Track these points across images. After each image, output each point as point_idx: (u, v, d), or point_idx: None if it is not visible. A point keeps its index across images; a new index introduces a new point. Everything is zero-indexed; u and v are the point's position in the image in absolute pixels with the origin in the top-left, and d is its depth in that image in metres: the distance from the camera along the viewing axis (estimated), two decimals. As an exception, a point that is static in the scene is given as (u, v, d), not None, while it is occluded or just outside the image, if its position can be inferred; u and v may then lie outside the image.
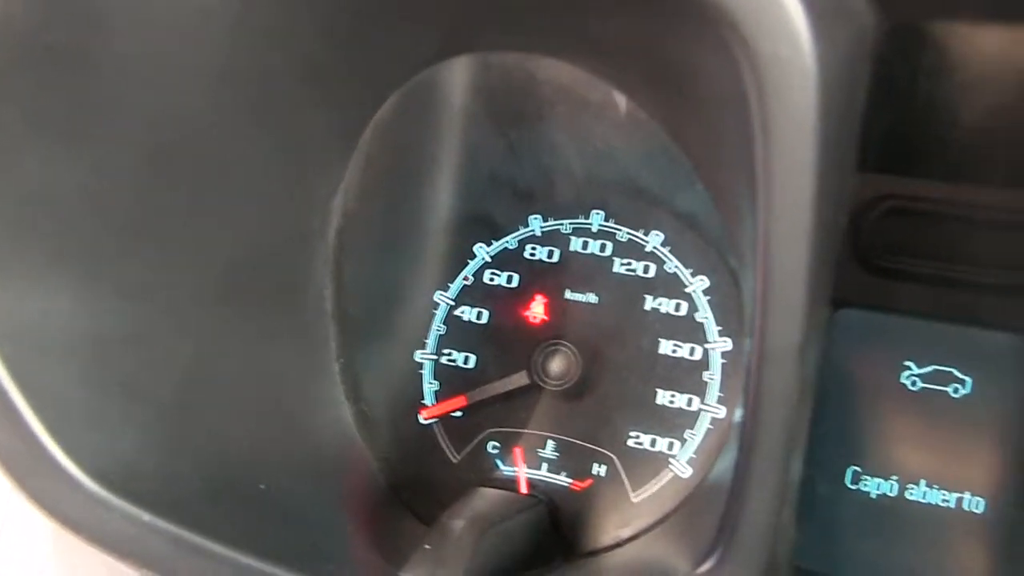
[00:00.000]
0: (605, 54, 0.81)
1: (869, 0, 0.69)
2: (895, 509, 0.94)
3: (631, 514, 0.94)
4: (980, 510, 0.92)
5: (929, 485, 0.93)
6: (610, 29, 0.75)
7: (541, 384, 0.95)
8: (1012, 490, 0.92)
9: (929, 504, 0.93)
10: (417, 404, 0.99)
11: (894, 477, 0.94)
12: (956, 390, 0.95)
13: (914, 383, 0.94)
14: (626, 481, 0.95)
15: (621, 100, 0.84)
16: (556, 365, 0.94)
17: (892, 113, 0.80)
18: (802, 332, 0.69)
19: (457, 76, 0.86)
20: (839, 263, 0.91)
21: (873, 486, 0.94)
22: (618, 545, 0.93)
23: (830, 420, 0.94)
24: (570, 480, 0.95)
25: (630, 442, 0.96)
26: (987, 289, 0.92)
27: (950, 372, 0.94)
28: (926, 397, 0.94)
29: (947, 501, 0.92)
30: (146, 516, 0.67)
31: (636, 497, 0.94)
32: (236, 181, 0.78)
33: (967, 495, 0.92)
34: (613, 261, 0.99)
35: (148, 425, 0.73)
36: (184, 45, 0.72)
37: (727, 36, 0.63)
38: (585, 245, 0.99)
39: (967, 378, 0.95)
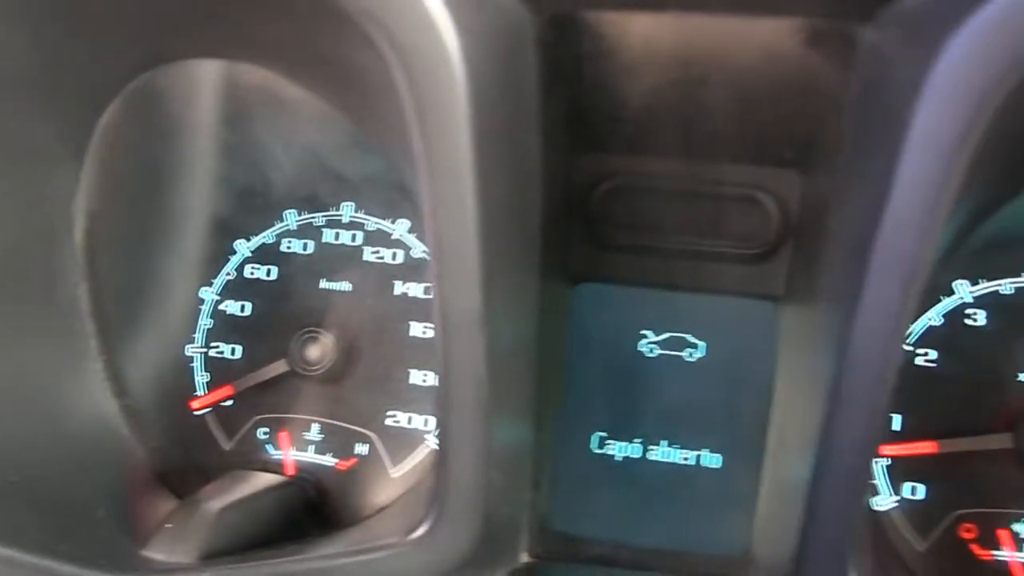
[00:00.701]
0: (282, 56, 0.85)
1: None
2: (640, 470, 0.99)
3: (391, 488, 0.98)
4: (717, 465, 0.97)
5: (670, 445, 0.98)
6: (276, 33, 0.79)
7: (300, 371, 0.99)
8: (746, 445, 0.96)
9: (671, 463, 0.98)
10: (189, 395, 1.02)
11: (637, 440, 0.99)
12: (691, 354, 1.00)
13: (651, 350, 0.99)
14: (385, 458, 1.00)
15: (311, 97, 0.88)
16: (313, 352, 0.99)
17: (576, 96, 0.83)
18: (481, 302, 0.74)
19: (170, 82, 0.90)
20: (575, 241, 0.96)
21: (618, 449, 0.99)
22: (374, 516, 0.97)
23: (575, 389, 0.99)
24: (335, 460, 1.01)
25: (388, 421, 1.01)
26: (711, 257, 0.96)
27: (684, 338, 0.99)
28: (663, 362, 0.99)
29: (687, 459, 0.98)
30: None
31: (395, 472, 0.99)
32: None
33: (705, 452, 0.98)
34: (364, 250, 1.03)
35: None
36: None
37: (373, 33, 0.68)
38: (337, 236, 1.04)
39: (701, 342, 0.99)
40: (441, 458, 0.78)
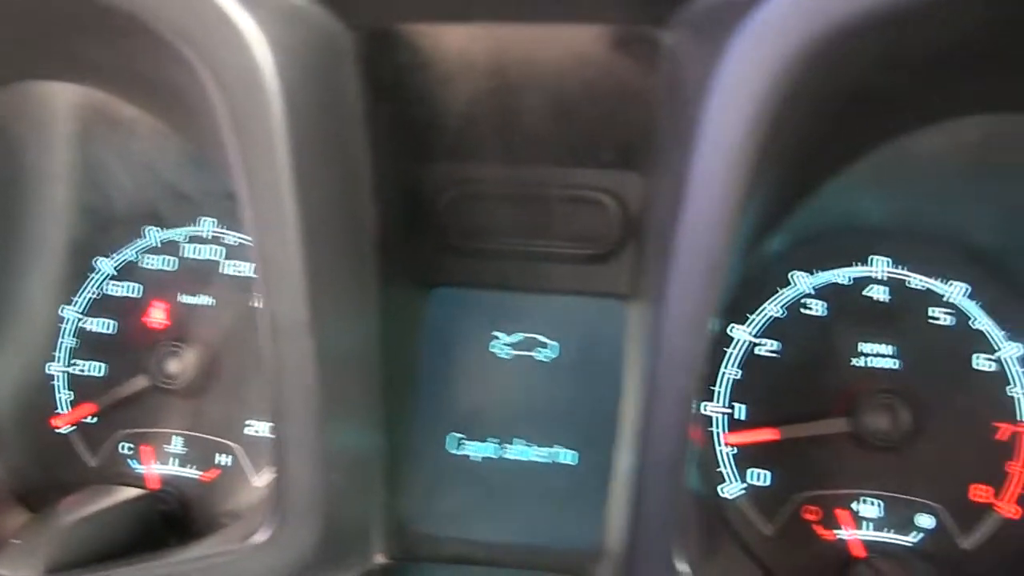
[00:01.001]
0: (112, 77, 0.87)
1: (331, 10, 0.74)
2: (496, 469, 1.01)
3: (254, 496, 1.00)
4: (572, 462, 0.99)
5: (526, 444, 1.00)
6: (100, 54, 0.82)
7: (161, 385, 1.00)
8: (599, 441, 0.99)
9: (527, 461, 1.00)
10: (51, 414, 1.04)
11: (493, 439, 1.02)
12: (543, 354, 1.02)
13: (504, 351, 1.01)
14: (247, 467, 1.01)
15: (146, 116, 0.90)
16: (173, 366, 1.00)
17: (401, 107, 0.86)
18: (307, 311, 0.77)
19: (11, 105, 0.91)
20: (427, 248, 0.98)
21: (474, 449, 1.02)
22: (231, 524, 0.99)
23: (431, 392, 1.01)
24: (198, 472, 1.02)
25: (248, 431, 1.03)
26: (557, 258, 0.99)
27: (536, 338, 1.02)
28: (516, 363, 1.02)
29: (543, 457, 1.00)
30: None
31: (258, 480, 1.00)
32: None
33: (560, 449, 1.00)
34: (224, 264, 1.04)
35: None
36: None
37: (187, 53, 0.70)
38: (198, 251, 1.05)
39: (552, 342, 1.02)
40: (278, 464, 0.79)
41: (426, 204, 0.96)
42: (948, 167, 0.88)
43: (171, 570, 0.81)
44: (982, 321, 0.97)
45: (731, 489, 0.97)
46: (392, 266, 0.92)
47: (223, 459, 1.01)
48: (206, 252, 1.03)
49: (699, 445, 0.93)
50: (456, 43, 0.79)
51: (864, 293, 1.00)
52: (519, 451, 1.01)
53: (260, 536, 0.81)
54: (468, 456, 1.01)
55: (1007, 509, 0.95)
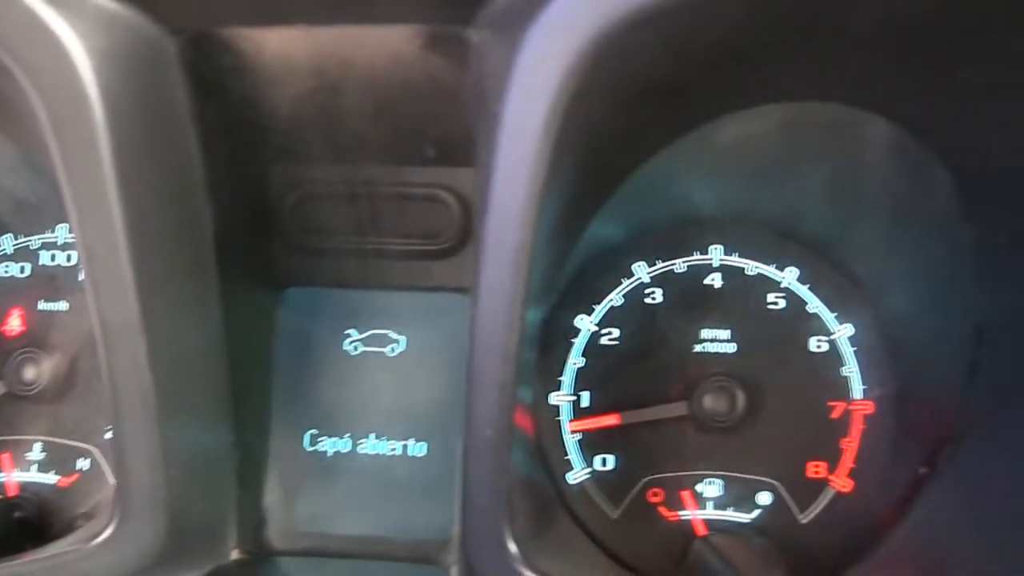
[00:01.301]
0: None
1: (149, 16, 0.77)
2: (351, 463, 1.04)
3: (110, 492, 1.01)
4: (423, 454, 1.02)
5: (378, 437, 1.03)
6: None
7: (18, 392, 1.02)
8: (448, 433, 1.02)
9: (380, 455, 1.03)
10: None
11: (347, 435, 1.04)
12: (392, 349, 1.05)
13: (356, 347, 1.04)
14: (106, 470, 1.03)
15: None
16: (29, 372, 1.02)
17: (229, 109, 0.89)
18: (137, 311, 0.80)
19: None
20: (277, 248, 1.01)
21: (329, 445, 1.04)
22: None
23: (286, 390, 1.03)
24: (57, 477, 1.03)
25: (108, 435, 1.04)
26: (402, 255, 1.02)
27: (385, 334, 1.04)
28: (366, 359, 1.04)
29: (395, 450, 1.02)
30: None
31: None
32: None
33: (411, 442, 1.03)
34: (80, 270, 1.06)
35: None
36: None
37: (4, 60, 0.72)
38: (53, 257, 1.07)
39: (401, 337, 1.04)
40: (118, 464, 0.81)
41: (272, 205, 0.99)
42: (753, 155, 0.91)
43: (13, 571, 0.81)
44: (815, 304, 1.00)
45: (577, 475, 1.00)
46: (240, 267, 0.95)
47: (82, 463, 1.02)
48: (61, 258, 1.04)
49: (527, 431, 0.95)
50: (276, 46, 0.82)
51: (704, 281, 1.02)
52: (372, 445, 1.03)
53: (103, 535, 0.83)
54: (324, 452, 1.03)
55: (841, 483, 0.99)
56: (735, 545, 0.89)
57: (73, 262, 1.05)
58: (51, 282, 1.04)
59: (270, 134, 0.91)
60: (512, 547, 0.78)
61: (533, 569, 0.76)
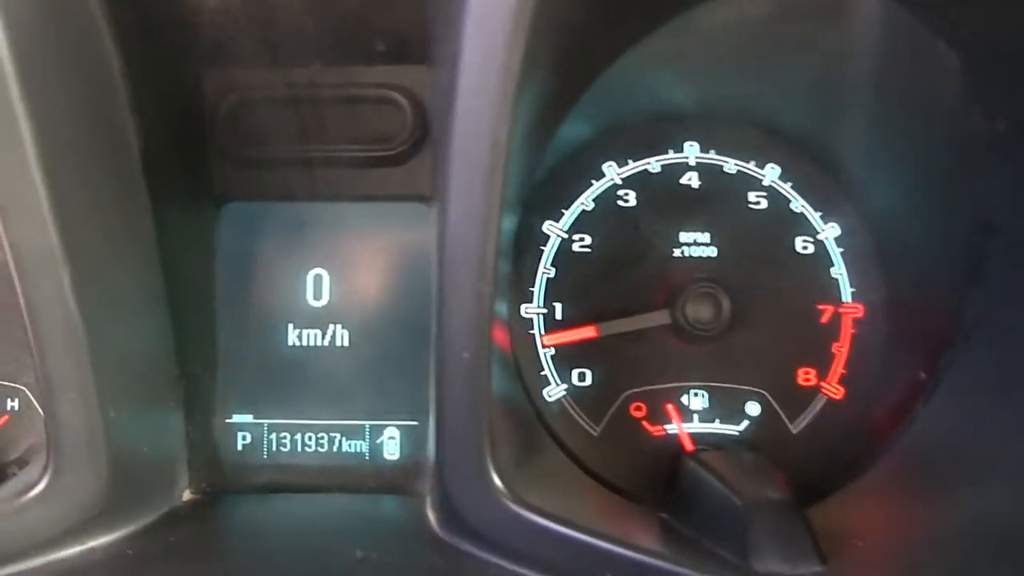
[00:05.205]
0: None
1: None
2: (305, 380, 0.97)
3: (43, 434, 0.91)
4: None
5: (332, 348, 0.96)
6: None
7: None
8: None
9: (337, 365, 0.96)
10: None
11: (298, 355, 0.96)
12: (344, 269, 0.95)
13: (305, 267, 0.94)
14: (36, 405, 0.96)
15: None
16: None
17: (147, 7, 0.77)
18: (56, 238, 0.71)
19: None
20: (213, 161, 0.89)
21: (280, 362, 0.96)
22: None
23: (229, 312, 0.95)
24: None
25: (40, 371, 0.92)
26: (351, 163, 0.92)
27: (337, 249, 0.95)
28: (317, 280, 0.95)
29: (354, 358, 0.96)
30: None
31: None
32: None
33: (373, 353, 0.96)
34: None
35: None
36: None
37: None
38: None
39: (355, 253, 0.96)
40: (46, 408, 0.72)
41: (205, 114, 0.88)
42: (740, 43, 0.84)
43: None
44: (799, 203, 0.93)
45: (553, 392, 0.92)
46: (173, 183, 0.84)
47: (11, 403, 0.91)
48: None
49: (505, 349, 0.87)
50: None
51: (680, 181, 0.94)
52: (327, 361, 0.93)
53: (36, 488, 0.75)
54: (277, 370, 0.95)
55: (832, 390, 0.93)
56: (729, 461, 0.82)
57: None
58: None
59: (197, 32, 0.81)
60: (496, 480, 0.73)
61: (519, 502, 0.70)
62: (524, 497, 0.70)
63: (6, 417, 0.93)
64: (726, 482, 0.79)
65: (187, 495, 0.89)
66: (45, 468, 0.74)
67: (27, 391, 0.93)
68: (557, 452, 0.90)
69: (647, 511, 0.85)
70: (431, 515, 0.82)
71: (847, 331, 0.97)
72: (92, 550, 0.77)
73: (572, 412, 0.93)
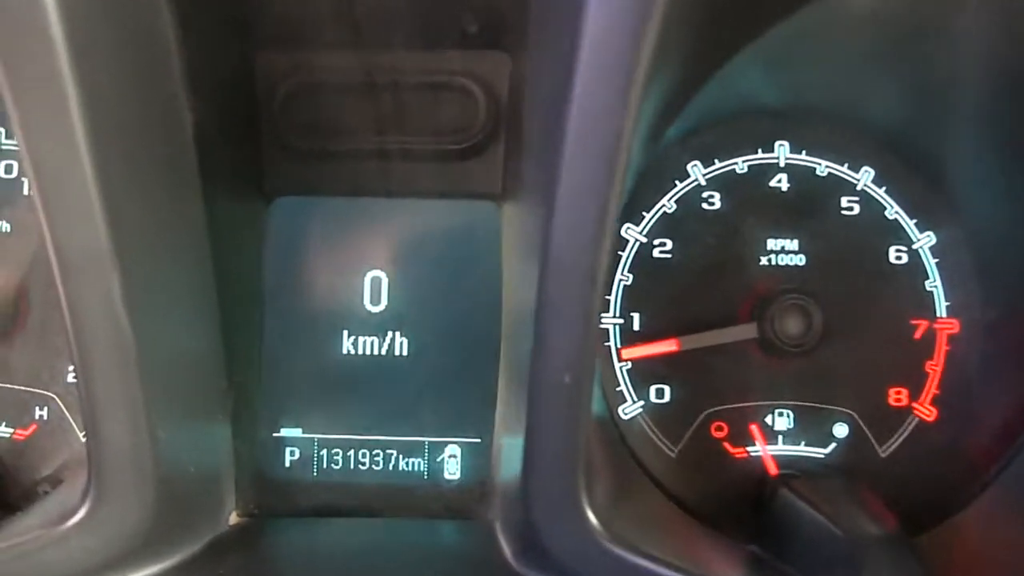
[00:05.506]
0: None
1: None
2: (357, 392, 0.91)
3: (77, 448, 0.86)
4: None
5: (391, 358, 0.90)
6: None
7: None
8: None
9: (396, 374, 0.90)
10: None
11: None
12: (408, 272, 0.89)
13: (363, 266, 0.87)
14: (68, 415, 0.88)
15: None
16: None
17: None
18: (107, 236, 0.63)
19: None
20: (265, 152, 0.81)
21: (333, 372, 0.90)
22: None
23: (278, 318, 0.86)
24: (11, 429, 0.85)
25: (72, 377, 0.87)
26: (416, 157, 0.85)
27: (398, 250, 0.88)
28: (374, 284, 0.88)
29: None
30: None
31: (83, 435, 0.83)
32: None
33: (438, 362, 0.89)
34: (22, 183, 0.91)
35: None
36: None
37: None
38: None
39: (419, 256, 0.89)
40: (88, 427, 0.65)
41: (260, 99, 0.80)
42: (841, 35, 0.79)
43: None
44: (893, 210, 0.85)
45: (629, 409, 0.84)
46: (221, 175, 0.75)
47: (40, 412, 0.83)
48: None
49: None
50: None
51: (769, 184, 0.85)
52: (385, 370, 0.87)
53: (76, 516, 0.68)
54: (329, 379, 0.89)
55: (924, 412, 0.85)
56: (826, 490, 0.76)
57: (14, 174, 0.84)
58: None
59: (269, 12, 0.72)
60: (591, 515, 0.66)
61: (617, 541, 0.64)
62: (622, 534, 0.64)
63: (34, 426, 0.85)
64: (827, 514, 0.73)
65: (234, 518, 0.81)
66: (85, 493, 0.67)
67: (58, 400, 0.84)
68: (641, 477, 0.83)
69: (735, 543, 0.76)
70: (504, 544, 0.73)
71: (941, 348, 0.90)
72: (134, 585, 0.67)
73: (648, 431, 0.86)
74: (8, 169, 0.86)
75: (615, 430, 0.84)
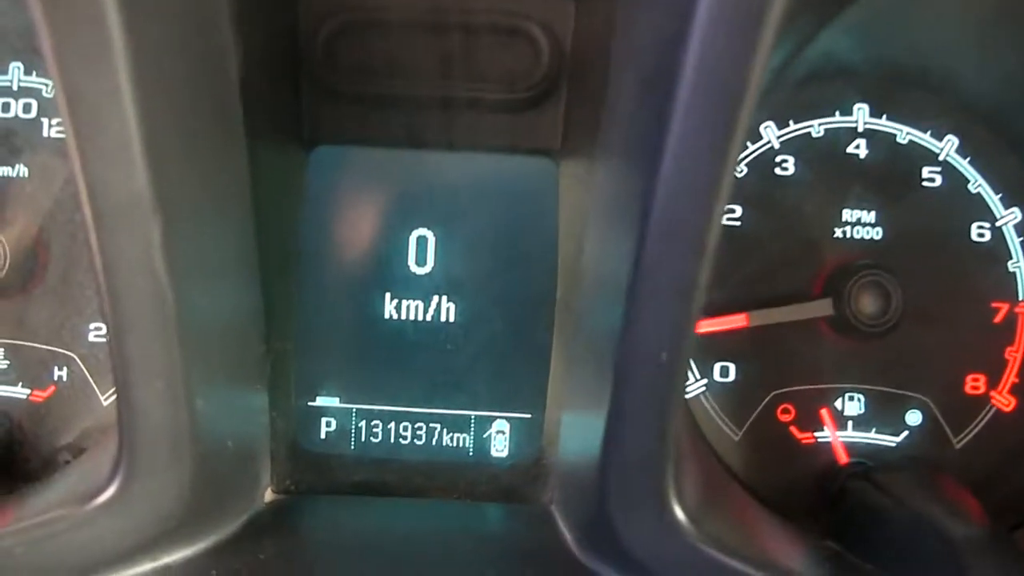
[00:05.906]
0: None
1: None
2: (402, 360, 0.84)
3: (105, 418, 0.80)
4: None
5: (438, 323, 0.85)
6: None
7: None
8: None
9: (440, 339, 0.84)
10: None
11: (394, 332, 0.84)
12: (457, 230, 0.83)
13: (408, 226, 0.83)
14: (91, 379, 0.82)
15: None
16: None
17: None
18: (148, 182, 0.56)
19: None
20: (306, 94, 0.73)
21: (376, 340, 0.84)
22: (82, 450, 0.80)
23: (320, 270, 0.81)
24: (28, 390, 0.79)
25: (93, 336, 0.82)
26: (473, 106, 0.79)
27: (447, 207, 0.82)
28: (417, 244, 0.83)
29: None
30: None
31: (108, 399, 0.81)
32: None
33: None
34: (42, 123, 0.84)
35: None
36: None
37: None
38: (7, 107, 0.83)
39: (469, 211, 0.84)
40: (121, 395, 0.59)
41: (302, 38, 0.72)
42: (960, 5, 0.73)
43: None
44: (977, 182, 0.78)
45: (692, 388, 0.78)
46: (261, 121, 0.68)
47: (59, 373, 0.77)
48: (16, 108, 0.76)
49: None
50: None
51: (846, 150, 0.78)
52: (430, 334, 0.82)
53: (105, 494, 0.61)
54: (370, 350, 0.82)
55: (1003, 401, 0.80)
56: (913, 484, 0.69)
57: (33, 114, 0.76)
58: (6, 140, 0.75)
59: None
60: (678, 511, 0.61)
61: (707, 540, 0.60)
62: (713, 534, 0.59)
63: (53, 388, 0.79)
64: (917, 510, 0.68)
65: (269, 494, 0.74)
66: (115, 469, 0.60)
67: (80, 362, 0.77)
68: (715, 463, 0.76)
69: (816, 540, 0.70)
70: (566, 532, 0.67)
71: (1022, 334, 0.84)
72: (167, 568, 0.65)
73: (711, 412, 0.79)
74: (27, 108, 0.79)
75: (690, 414, 0.77)
